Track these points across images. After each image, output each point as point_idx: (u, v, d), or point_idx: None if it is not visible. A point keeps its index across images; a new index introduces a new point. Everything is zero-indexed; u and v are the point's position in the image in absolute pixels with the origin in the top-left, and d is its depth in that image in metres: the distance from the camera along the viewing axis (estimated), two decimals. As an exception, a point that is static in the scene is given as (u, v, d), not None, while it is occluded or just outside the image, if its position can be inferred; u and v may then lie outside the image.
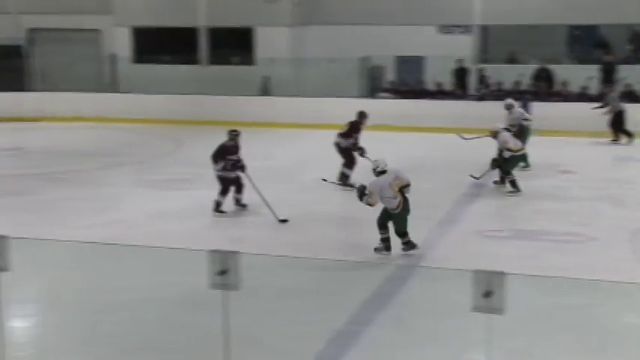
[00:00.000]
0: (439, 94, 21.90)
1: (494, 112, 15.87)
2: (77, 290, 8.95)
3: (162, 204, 12.83)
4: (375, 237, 9.90)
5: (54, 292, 8.93)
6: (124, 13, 24.19)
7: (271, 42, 23.11)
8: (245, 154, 12.24)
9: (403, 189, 9.71)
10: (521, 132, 15.04)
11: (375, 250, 9.87)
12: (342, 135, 13.92)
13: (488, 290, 4.71)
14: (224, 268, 4.92)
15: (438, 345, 7.27)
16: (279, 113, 21.36)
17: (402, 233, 9.88)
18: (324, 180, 11.30)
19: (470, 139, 14.93)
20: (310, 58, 22.82)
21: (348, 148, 13.79)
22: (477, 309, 4.77)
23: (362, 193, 9.81)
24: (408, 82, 22.78)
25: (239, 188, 12.27)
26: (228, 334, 5.04)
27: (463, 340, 7.23)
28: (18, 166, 16.38)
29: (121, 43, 24.28)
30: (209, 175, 13.99)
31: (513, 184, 13.29)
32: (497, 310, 4.74)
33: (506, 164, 13.33)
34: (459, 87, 21.97)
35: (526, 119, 15.61)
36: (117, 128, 21.02)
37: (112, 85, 24.35)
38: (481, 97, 20.63)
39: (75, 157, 16.43)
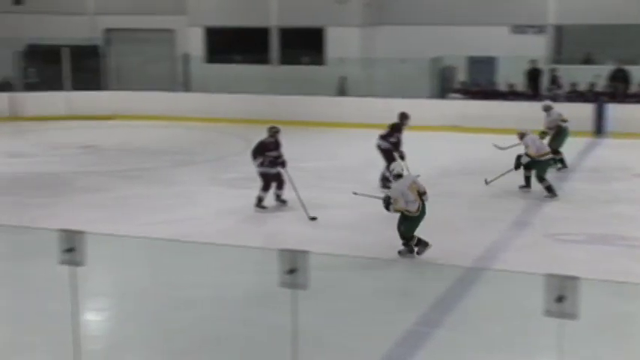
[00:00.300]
0: (511, 95, 21.60)
1: (566, 114, 15.58)
2: (148, 286, 9.11)
3: (232, 202, 12.96)
4: (442, 238, 9.81)
5: (126, 286, 9.11)
6: (198, 13, 24.54)
7: (342, 42, 23.15)
8: (312, 153, 12.30)
9: (422, 195, 9.66)
10: (558, 134, 14.99)
11: (399, 253, 9.73)
12: (383, 137, 13.88)
13: (561, 295, 4.62)
14: (293, 267, 4.94)
15: (508, 349, 7.16)
16: (349, 113, 21.38)
17: (408, 237, 9.74)
18: (355, 193, 11.35)
19: (506, 148, 14.70)
20: (380, 58, 22.77)
21: (389, 149, 13.73)
22: (550, 314, 4.67)
23: (388, 203, 9.74)
24: (480, 83, 22.54)
25: (280, 184, 12.52)
26: (296, 333, 5.06)
27: (533, 345, 7.11)
28: (93, 163, 16.76)
29: (194, 43, 24.64)
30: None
31: (549, 189, 13.01)
32: (571, 316, 4.64)
33: (537, 170, 13.07)
34: (532, 88, 21.62)
35: (563, 120, 15.36)
36: (189, 127, 21.34)
37: (184, 84, 24.73)
38: (553, 98, 20.27)
39: (147, 155, 16.74)
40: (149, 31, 25.33)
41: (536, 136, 13.45)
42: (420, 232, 9.72)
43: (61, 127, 21.42)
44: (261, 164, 12.40)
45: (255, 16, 24.22)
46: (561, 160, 15.22)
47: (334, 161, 15.54)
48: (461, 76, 22.84)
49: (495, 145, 14.74)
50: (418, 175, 10.08)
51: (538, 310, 4.89)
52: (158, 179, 14.80)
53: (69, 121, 22.16)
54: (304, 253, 4.97)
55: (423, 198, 9.68)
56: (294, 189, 12.10)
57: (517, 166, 13.21)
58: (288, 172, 12.27)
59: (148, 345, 7.48)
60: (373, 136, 14.14)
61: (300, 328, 5.09)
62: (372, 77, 22.87)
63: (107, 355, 7.22)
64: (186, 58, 24.59)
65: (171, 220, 11.84)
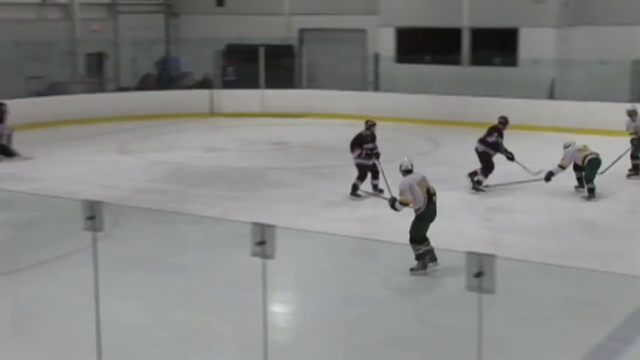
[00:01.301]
0: None
1: None
2: (333, 281, 9.26)
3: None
4: (626, 247, 9.27)
5: (312, 281, 9.31)
6: (389, 13, 24.65)
7: (536, 43, 22.44)
8: (500, 156, 12.01)
9: (431, 195, 9.43)
10: None
11: (412, 270, 9.18)
12: (481, 140, 13.79)
13: None
14: (480, 271, 4.83)
15: None
16: (541, 116, 20.72)
17: (417, 240, 9.24)
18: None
19: (607, 169, 14.14)
20: (577, 59, 21.87)
21: (486, 152, 13.65)
22: None
23: (393, 202, 9.63)
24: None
25: (374, 174, 13.27)
26: (481, 338, 4.95)
27: None
28: (283, 159, 17.27)
29: (385, 43, 24.76)
30: (461, 177, 13.92)
31: (590, 191, 13.10)
32: None
33: (588, 172, 13.20)
34: None
35: None
36: (377, 127, 21.46)
37: (374, 83, 24.93)
38: None
39: (335, 153, 16.97)
40: (341, 31, 25.75)
41: (573, 148, 13.38)
42: (605, 240, 9.24)
43: (255, 124, 22.23)
44: (359, 156, 13.25)
45: (446, 17, 23.98)
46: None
47: (526, 164, 15.09)
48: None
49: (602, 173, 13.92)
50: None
51: None
52: (345, 177, 14.98)
53: (262, 118, 22.96)
54: (491, 256, 4.85)
55: (434, 198, 9.47)
56: (385, 179, 12.85)
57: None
58: (380, 164, 13.14)
59: (329, 339, 7.60)
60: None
61: (484, 333, 4.97)
62: (567, 79, 22.00)
63: (291, 347, 7.41)
64: (376, 58, 24.78)
65: (356, 218, 11.97)
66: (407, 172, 9.70)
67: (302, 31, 26.58)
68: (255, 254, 5.04)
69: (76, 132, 20.38)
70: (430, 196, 9.51)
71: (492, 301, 5.19)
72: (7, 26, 22.87)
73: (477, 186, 13.69)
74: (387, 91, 23.87)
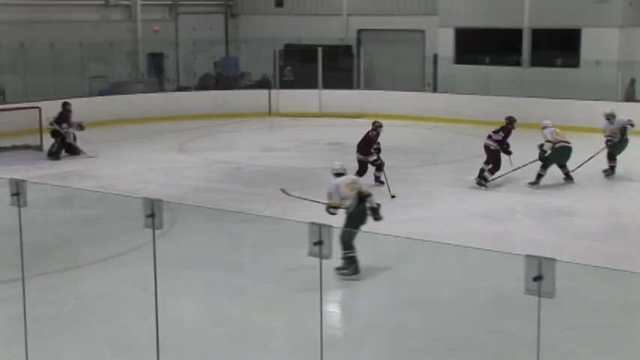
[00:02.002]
0: None
1: None
2: (389, 282, 9.23)
3: (474, 204, 12.82)
4: None
5: (367, 282, 9.28)
6: (449, 14, 24.48)
7: (598, 43, 22.03)
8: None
9: (363, 196, 9.35)
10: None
11: (337, 270, 8.88)
12: (490, 137, 14.29)
13: None
14: (539, 274, 4.76)
15: None
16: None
17: (345, 242, 8.94)
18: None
19: (579, 166, 14.44)
20: (642, 60, 21.45)
21: (497, 151, 14.03)
22: None
23: (327, 207, 9.42)
24: None
25: (379, 167, 14.06)
26: (539, 343, 4.88)
27: None
28: (340, 160, 17.17)
29: (444, 44, 24.59)
30: (520, 179, 13.76)
31: (539, 177, 13.71)
32: None
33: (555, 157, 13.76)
34: None
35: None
36: (434, 127, 21.36)
37: (432, 84, 24.79)
38: None
39: (392, 154, 16.87)
40: (400, 32, 25.67)
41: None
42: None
43: (312, 124, 22.28)
44: (370, 155, 13.98)
45: (506, 17, 23.71)
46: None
47: (585, 168, 14.84)
48: None
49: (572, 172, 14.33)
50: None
51: None
52: (402, 178, 14.93)
53: (320, 118, 23.00)
54: (551, 260, 4.77)
55: (366, 201, 9.35)
56: (384, 173, 13.79)
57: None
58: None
59: (384, 341, 7.58)
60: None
61: (543, 338, 4.90)
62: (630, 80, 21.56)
63: (346, 346, 7.42)
64: (435, 59, 24.63)
65: (413, 219, 11.91)
66: (337, 175, 9.75)
67: (360, 31, 26.57)
68: (312, 254, 5.05)
69: (136, 131, 20.71)
70: (362, 198, 9.42)
71: (552, 306, 5.12)
72: (72, 27, 23.38)
73: (482, 181, 13.87)
74: (445, 92, 23.71)
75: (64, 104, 17.68)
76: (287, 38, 26.11)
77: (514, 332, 7.19)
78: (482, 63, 24.11)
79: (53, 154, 17.10)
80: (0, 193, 6.49)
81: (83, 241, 11.18)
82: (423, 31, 25.43)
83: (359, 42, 26.45)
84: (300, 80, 24.70)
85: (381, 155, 14.18)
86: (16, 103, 19.60)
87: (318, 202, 10.01)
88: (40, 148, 17.74)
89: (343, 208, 9.42)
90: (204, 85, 26.37)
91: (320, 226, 5.06)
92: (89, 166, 16.26)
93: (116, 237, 11.07)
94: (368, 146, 14.11)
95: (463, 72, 23.90)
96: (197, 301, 8.72)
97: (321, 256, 5.09)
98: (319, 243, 5.08)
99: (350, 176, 9.93)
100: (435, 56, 24.59)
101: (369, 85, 25.11)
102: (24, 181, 6.00)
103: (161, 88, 25.70)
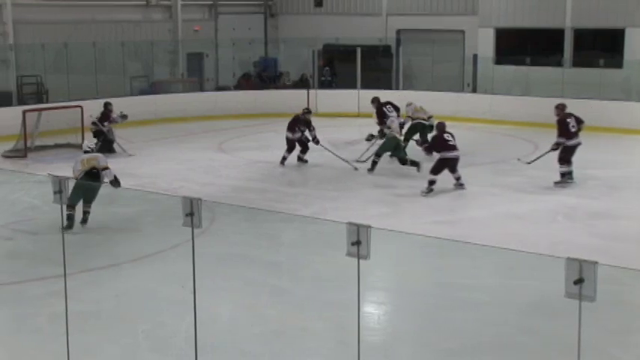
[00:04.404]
0: None
1: None
2: (426, 284, 9.19)
3: (514, 206, 12.72)
4: None
5: (405, 283, 9.26)
6: (489, 14, 24.31)
7: (643, 43, 21.73)
8: (603, 160, 11.67)
9: (93, 169, 11.38)
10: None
11: None
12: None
13: None
14: (580, 278, 4.70)
15: None
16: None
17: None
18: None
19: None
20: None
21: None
22: None
23: None
24: None
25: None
26: (580, 347, 4.82)
27: None
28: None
29: (484, 44, 24.42)
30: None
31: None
32: None
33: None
34: None
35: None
36: (473, 128, 21.19)
37: (471, 85, 24.62)
38: None
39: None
40: (439, 32, 25.54)
41: None
42: None
43: (351, 125, 22.23)
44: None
45: (548, 17, 23.47)
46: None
47: (627, 170, 14.69)
48: None
49: (520, 160, 15.18)
50: None
51: None
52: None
53: (358, 118, 22.95)
54: (592, 263, 4.71)
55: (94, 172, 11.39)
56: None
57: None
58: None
59: (422, 342, 7.55)
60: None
61: (583, 342, 4.84)
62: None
63: (384, 348, 7.39)
64: (474, 59, 24.46)
65: (451, 221, 11.86)
66: (84, 152, 11.93)
67: (399, 31, 26.48)
68: (350, 254, 5.04)
69: (176, 130, 20.87)
70: (90, 170, 11.41)
71: (592, 309, 5.06)
72: (114, 27, 23.65)
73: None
74: (484, 92, 23.52)
75: (106, 104, 17.92)
76: (326, 38, 26.12)
77: (554, 335, 7.11)
78: (523, 63, 23.87)
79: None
80: (43, 191, 6.59)
81: (123, 239, 11.30)
82: (462, 32, 25.27)
83: (398, 42, 26.36)
84: (338, 80, 24.69)
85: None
86: (59, 102, 19.89)
87: None
88: (81, 146, 17.93)
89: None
90: (243, 84, 26.50)
91: (358, 226, 5.05)
92: (129, 165, 16.42)
93: (155, 235, 11.18)
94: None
95: (503, 72, 23.70)
96: (234, 299, 8.76)
97: (359, 257, 5.08)
98: (357, 243, 5.07)
99: (93, 154, 11.85)
100: (475, 57, 24.41)
101: (408, 86, 25.02)
102: (67, 179, 6.08)
103: (200, 88, 25.89)
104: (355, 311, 5.53)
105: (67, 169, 13.94)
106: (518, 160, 15.54)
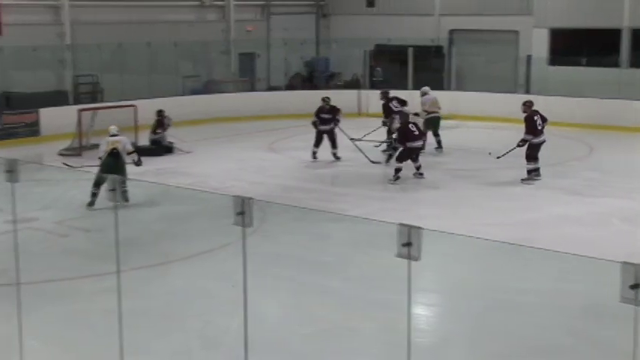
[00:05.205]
0: None
1: None
2: (477, 286, 9.10)
3: (569, 208, 12.54)
4: None
5: (456, 285, 9.19)
6: (544, 14, 23.98)
7: None
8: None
9: (112, 151, 12.42)
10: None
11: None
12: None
13: None
14: (637, 283, 4.60)
15: None
16: None
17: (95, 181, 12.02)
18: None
19: (501, 156, 14.78)
20: None
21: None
22: None
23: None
24: None
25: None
26: (635, 354, 4.71)
27: None
28: (430, 161, 17.09)
29: (538, 45, 24.10)
30: (616, 184, 13.36)
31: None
32: None
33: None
34: None
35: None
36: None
37: (524, 86, 24.31)
38: None
39: (483, 156, 16.69)
40: (492, 32, 25.27)
41: None
42: None
43: (402, 125, 22.13)
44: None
45: (605, 17, 23.07)
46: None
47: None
48: None
49: (490, 154, 15.23)
50: None
51: None
52: (492, 181, 14.73)
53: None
54: (650, 268, 4.60)
55: (113, 153, 12.42)
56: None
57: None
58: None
59: (471, 345, 7.48)
60: None
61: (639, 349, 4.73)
62: None
63: (433, 349, 7.34)
64: (528, 60, 24.15)
65: (504, 223, 11.72)
66: (110, 135, 12.81)
67: (452, 31, 26.28)
68: (400, 255, 5.01)
69: (227, 129, 21.03)
70: (111, 151, 12.45)
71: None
72: (168, 27, 23.92)
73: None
74: (538, 93, 23.16)
75: (159, 112, 18.04)
76: (378, 38, 26.04)
77: (606, 341, 6.98)
78: (578, 64, 23.50)
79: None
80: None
81: (175, 237, 11.42)
82: (516, 32, 24.96)
83: (450, 42, 26.17)
84: (390, 81, 24.60)
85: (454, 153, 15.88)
86: (113, 101, 20.19)
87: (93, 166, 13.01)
88: (135, 145, 18.22)
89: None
90: (294, 84, 26.56)
91: (409, 227, 5.01)
92: (182, 164, 16.61)
93: (206, 234, 11.27)
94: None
95: (557, 73, 23.35)
96: (284, 299, 8.79)
97: (409, 258, 5.04)
98: (408, 244, 5.03)
99: (121, 137, 12.89)
100: (529, 57, 24.11)
101: (460, 86, 24.81)
102: (120, 177, 6.15)
103: (252, 88, 26.04)
104: (404, 312, 5.50)
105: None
106: (490, 154, 15.50)
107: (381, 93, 18.48)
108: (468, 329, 7.87)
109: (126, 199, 11.82)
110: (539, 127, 14.36)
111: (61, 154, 17.39)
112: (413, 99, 23.23)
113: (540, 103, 22.21)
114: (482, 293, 8.89)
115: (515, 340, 7.46)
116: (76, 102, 21.18)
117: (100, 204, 11.63)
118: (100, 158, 12.71)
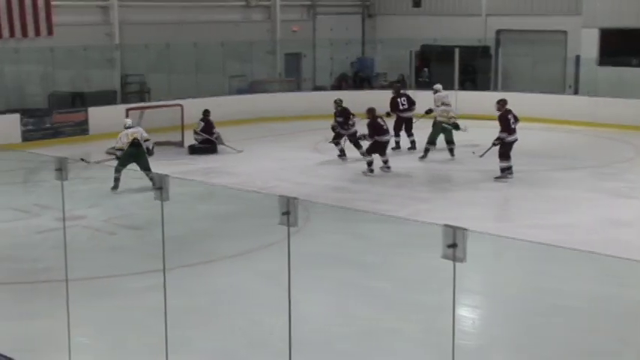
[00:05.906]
0: None
1: None
2: (522, 289, 9.01)
3: (615, 211, 12.35)
4: None
5: (500, 287, 9.11)
6: (593, 14, 23.63)
7: None
8: None
9: (134, 141, 13.72)
10: None
11: None
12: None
13: None
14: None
15: None
16: None
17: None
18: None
19: (482, 155, 15.02)
20: None
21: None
22: None
23: None
24: None
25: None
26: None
27: None
28: (476, 162, 16.96)
29: (587, 45, 23.75)
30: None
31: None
32: None
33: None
34: None
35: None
36: (574, 131, 20.68)
37: (573, 87, 24.00)
38: None
39: (530, 157, 16.52)
40: (540, 33, 24.99)
41: None
42: None
43: (447, 126, 22.00)
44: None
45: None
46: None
47: None
48: None
49: (473, 152, 15.67)
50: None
51: None
52: (539, 182, 14.57)
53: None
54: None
55: (135, 143, 13.75)
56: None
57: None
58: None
59: (515, 348, 7.42)
60: None
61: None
62: None
63: (477, 352, 7.29)
64: (577, 60, 23.83)
65: (549, 225, 11.59)
66: (126, 127, 14.08)
67: (499, 32, 26.05)
68: (445, 257, 4.99)
69: (273, 129, 21.12)
70: (132, 141, 13.75)
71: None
72: (215, 28, 24.11)
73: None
74: (587, 94, 22.89)
75: (205, 113, 18.05)
76: (424, 39, 25.93)
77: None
78: (629, 65, 23.10)
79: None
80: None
81: (219, 236, 11.50)
82: (565, 32, 24.64)
83: (497, 43, 25.94)
84: (436, 81, 24.44)
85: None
86: (160, 100, 20.42)
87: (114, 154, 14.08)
88: (181, 144, 18.40)
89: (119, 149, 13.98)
90: (340, 85, 26.56)
91: (454, 228, 4.99)
92: (227, 163, 16.73)
93: (251, 233, 11.33)
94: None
95: (606, 74, 22.99)
96: (328, 299, 8.80)
97: (454, 259, 5.02)
98: (453, 246, 5.01)
99: (137, 128, 14.36)
100: (578, 58, 23.78)
101: (507, 87, 24.57)
102: (167, 176, 6.23)
103: (298, 88, 26.11)
104: (448, 314, 5.47)
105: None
106: (473, 153, 15.85)
107: (393, 86, 18.59)
108: (512, 332, 7.81)
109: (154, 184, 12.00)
110: (513, 126, 14.57)
111: (109, 153, 17.62)
112: (458, 101, 23.20)
113: (588, 104, 22.07)
114: (527, 296, 8.80)
115: (562, 344, 7.38)
116: (124, 101, 21.46)
117: (148, 203, 11.75)
118: (114, 148, 14.09)
